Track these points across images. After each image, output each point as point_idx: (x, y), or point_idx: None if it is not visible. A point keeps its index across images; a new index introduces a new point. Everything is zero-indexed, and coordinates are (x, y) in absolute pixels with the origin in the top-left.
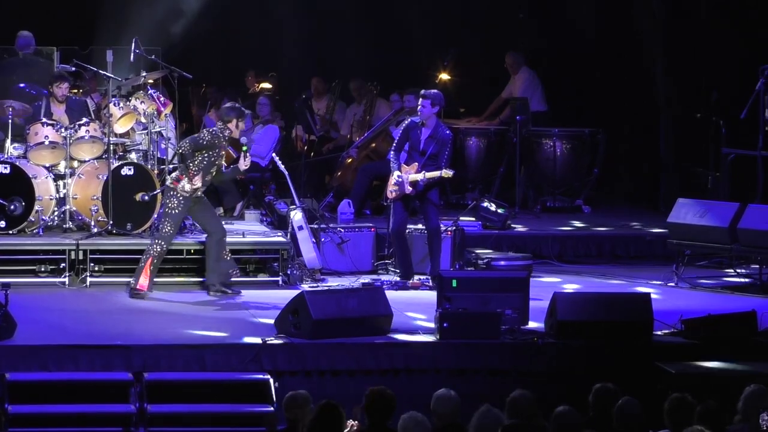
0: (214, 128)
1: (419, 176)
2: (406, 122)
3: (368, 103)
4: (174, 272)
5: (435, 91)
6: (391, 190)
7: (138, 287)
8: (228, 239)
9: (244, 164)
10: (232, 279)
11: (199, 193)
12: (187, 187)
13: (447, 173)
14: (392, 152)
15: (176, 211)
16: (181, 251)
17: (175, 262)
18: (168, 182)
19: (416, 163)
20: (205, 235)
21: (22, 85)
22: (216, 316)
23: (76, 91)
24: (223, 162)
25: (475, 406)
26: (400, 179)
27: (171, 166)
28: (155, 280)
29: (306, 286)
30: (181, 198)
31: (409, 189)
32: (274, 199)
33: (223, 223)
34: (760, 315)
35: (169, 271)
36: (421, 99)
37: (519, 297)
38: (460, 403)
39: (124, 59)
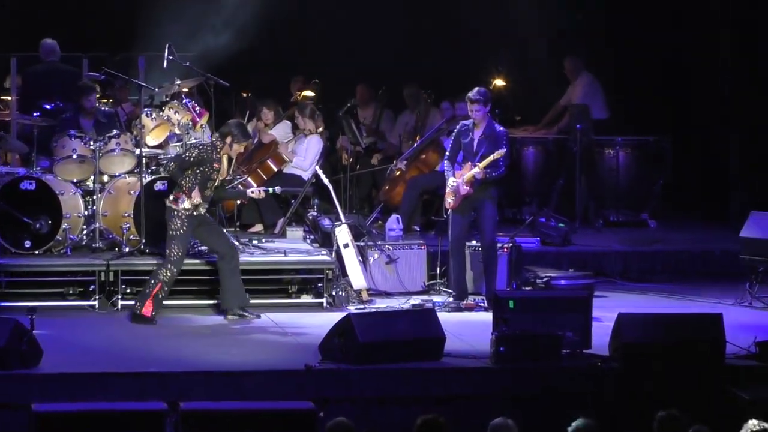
0: (205, 142)
1: (473, 171)
2: (456, 128)
3: (421, 112)
4: (184, 294)
5: (479, 90)
6: (449, 200)
7: (143, 312)
8: (269, 258)
9: (255, 193)
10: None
11: (202, 210)
12: (187, 204)
13: (500, 153)
14: (445, 161)
15: (181, 231)
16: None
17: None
18: (167, 203)
19: (470, 163)
20: (216, 257)
21: (48, 106)
22: (255, 340)
23: (105, 100)
24: (250, 181)
25: None
26: (455, 184)
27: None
28: (165, 303)
29: (352, 308)
30: (184, 217)
31: (465, 189)
32: (318, 215)
33: (264, 240)
34: None
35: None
36: (472, 104)
37: (580, 318)
38: None
39: (157, 66)
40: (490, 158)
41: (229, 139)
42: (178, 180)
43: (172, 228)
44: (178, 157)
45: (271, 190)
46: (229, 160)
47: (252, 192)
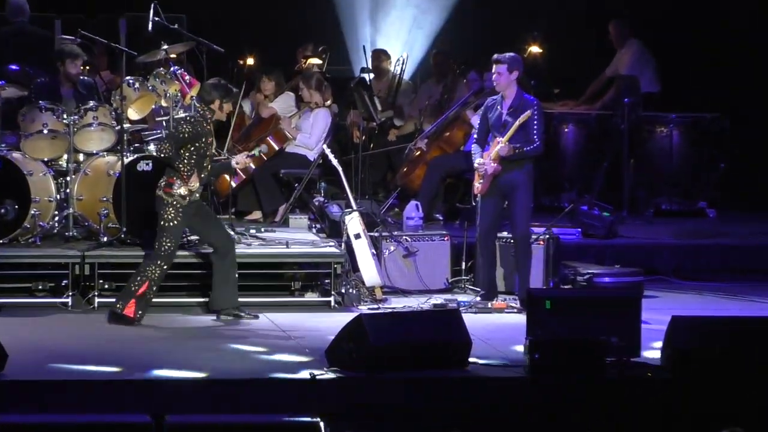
0: (193, 114)
1: (497, 147)
2: (484, 104)
3: (449, 84)
4: (172, 291)
5: (510, 54)
6: (477, 185)
7: (125, 312)
8: (269, 250)
9: (240, 162)
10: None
11: (197, 195)
12: (183, 191)
13: (526, 115)
14: (473, 145)
15: (175, 222)
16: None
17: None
18: (158, 192)
19: (498, 140)
20: (211, 250)
21: (14, 67)
22: (253, 344)
23: (82, 68)
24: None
25: None
26: (483, 165)
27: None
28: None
29: (364, 308)
30: (178, 206)
31: (493, 166)
32: (325, 201)
33: (263, 230)
34: None
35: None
36: (495, 66)
37: (628, 322)
38: None
39: (141, 29)
40: (516, 125)
41: (216, 104)
42: (174, 163)
43: (166, 219)
44: (172, 136)
45: (256, 152)
46: (216, 132)
47: (237, 163)
